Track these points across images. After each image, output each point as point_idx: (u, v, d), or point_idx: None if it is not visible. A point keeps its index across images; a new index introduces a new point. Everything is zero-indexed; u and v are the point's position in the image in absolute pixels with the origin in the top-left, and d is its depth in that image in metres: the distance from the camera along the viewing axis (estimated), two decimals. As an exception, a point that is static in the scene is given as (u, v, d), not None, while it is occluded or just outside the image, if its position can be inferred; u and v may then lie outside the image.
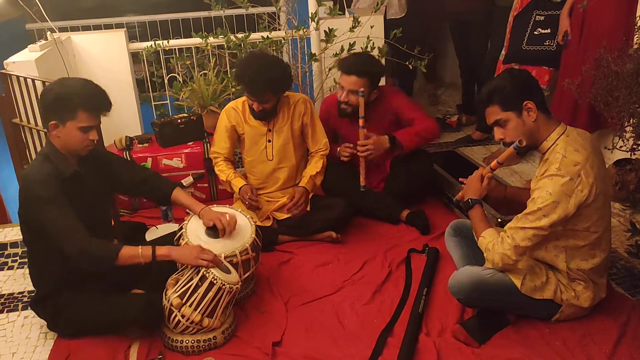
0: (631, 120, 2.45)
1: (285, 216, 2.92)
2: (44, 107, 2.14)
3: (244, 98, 2.94)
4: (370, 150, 2.89)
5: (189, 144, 3.40)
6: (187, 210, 2.45)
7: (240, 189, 2.88)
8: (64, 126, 2.09)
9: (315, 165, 2.98)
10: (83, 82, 2.16)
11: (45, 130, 2.18)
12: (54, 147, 2.14)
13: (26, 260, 2.47)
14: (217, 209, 2.47)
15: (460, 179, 2.34)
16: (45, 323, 2.29)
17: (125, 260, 2.07)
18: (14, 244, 2.90)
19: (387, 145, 2.93)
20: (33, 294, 2.31)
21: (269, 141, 2.94)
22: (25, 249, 2.35)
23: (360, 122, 2.89)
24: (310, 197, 2.97)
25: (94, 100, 2.13)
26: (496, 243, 2.05)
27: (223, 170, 2.96)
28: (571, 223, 2.00)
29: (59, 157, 2.13)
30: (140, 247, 2.10)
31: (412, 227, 3.00)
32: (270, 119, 2.91)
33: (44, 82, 2.82)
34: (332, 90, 3.80)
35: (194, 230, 2.34)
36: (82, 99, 2.08)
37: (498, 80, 2.09)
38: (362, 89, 2.85)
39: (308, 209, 2.92)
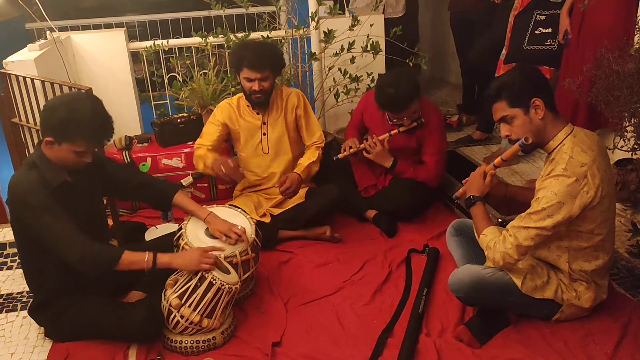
0: (632, 120, 2.45)
1: (280, 211, 2.92)
2: (45, 123, 2.02)
3: (238, 95, 2.99)
4: (371, 154, 2.97)
5: (188, 143, 3.39)
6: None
7: (214, 160, 2.77)
8: (59, 145, 2.01)
9: (310, 155, 2.99)
10: (92, 112, 2.01)
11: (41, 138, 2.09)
12: (43, 156, 2.05)
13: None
14: (217, 208, 2.47)
15: (463, 182, 2.33)
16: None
17: (126, 266, 2.05)
18: (13, 244, 2.89)
19: (387, 166, 2.99)
20: (31, 301, 2.28)
21: (264, 134, 2.96)
22: (20, 259, 2.29)
23: (394, 131, 2.95)
24: (305, 188, 2.99)
25: (98, 133, 2.06)
26: (498, 241, 2.03)
27: (200, 154, 2.88)
28: (575, 224, 1.99)
29: (47, 167, 2.04)
30: (140, 253, 2.07)
31: (378, 227, 3.01)
32: (264, 109, 2.94)
33: (43, 82, 2.81)
34: (331, 90, 3.79)
35: (194, 231, 2.33)
36: (86, 130, 2.00)
37: (507, 76, 2.06)
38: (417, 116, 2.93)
39: (303, 199, 2.92)
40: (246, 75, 2.81)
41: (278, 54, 2.90)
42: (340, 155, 3.09)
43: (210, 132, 2.97)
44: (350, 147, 3.06)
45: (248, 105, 2.97)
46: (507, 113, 2.02)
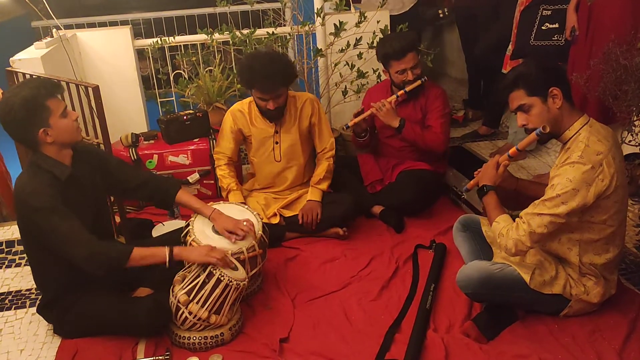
0: (640, 114, 2.44)
1: (292, 213, 2.91)
2: (20, 124, 1.99)
3: (249, 99, 2.93)
4: (381, 111, 2.95)
5: (194, 140, 3.39)
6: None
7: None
8: (51, 127, 2.01)
9: (321, 170, 2.96)
10: (30, 81, 2.07)
11: (33, 146, 2.06)
12: (43, 155, 2.06)
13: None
14: (223, 205, 2.47)
15: (474, 173, 2.32)
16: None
17: (137, 262, 2.06)
18: (21, 241, 2.90)
19: (395, 125, 2.97)
20: (39, 298, 2.30)
21: (277, 143, 2.92)
22: (27, 258, 2.30)
23: (401, 92, 2.97)
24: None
25: (51, 87, 2.05)
26: (510, 229, 2.02)
27: (225, 176, 2.93)
28: (588, 214, 1.98)
29: (51, 163, 2.06)
30: (157, 248, 2.09)
31: (385, 223, 3.00)
32: (278, 119, 2.89)
33: (49, 79, 2.81)
34: (338, 85, 3.79)
35: (201, 227, 2.34)
36: (44, 92, 2.00)
37: (523, 67, 2.08)
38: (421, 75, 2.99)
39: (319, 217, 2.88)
40: (259, 96, 2.76)
41: (288, 68, 2.75)
42: (350, 123, 3.07)
43: (225, 140, 2.95)
44: (359, 113, 3.05)
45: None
46: (525, 102, 2.02)
